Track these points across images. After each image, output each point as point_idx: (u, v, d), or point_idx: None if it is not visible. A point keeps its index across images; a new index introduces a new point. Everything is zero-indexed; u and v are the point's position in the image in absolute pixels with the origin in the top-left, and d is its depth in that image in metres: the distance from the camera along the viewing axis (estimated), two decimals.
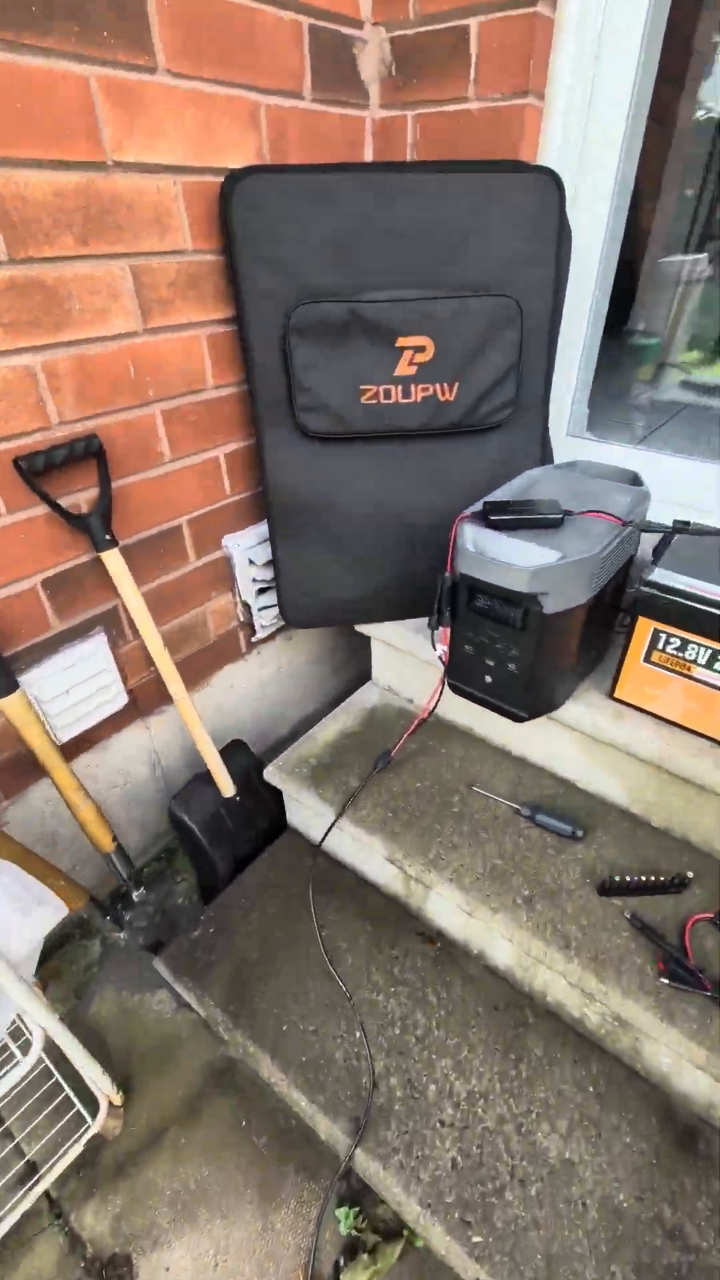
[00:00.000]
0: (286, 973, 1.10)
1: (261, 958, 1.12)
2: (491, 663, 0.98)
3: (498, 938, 1.02)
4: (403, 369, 1.01)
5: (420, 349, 1.00)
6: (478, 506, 0.92)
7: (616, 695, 1.04)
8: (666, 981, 0.87)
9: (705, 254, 2.89)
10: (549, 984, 1.02)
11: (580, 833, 1.05)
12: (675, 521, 0.83)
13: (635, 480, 1.03)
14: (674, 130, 2.45)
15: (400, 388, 1.02)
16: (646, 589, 0.90)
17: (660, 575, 0.91)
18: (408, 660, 1.29)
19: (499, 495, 0.98)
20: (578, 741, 1.12)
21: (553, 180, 0.95)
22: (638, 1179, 0.88)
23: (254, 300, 0.95)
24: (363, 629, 1.28)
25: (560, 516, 0.88)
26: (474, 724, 1.28)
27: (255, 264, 0.93)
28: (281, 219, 0.91)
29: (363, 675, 1.44)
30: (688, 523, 0.83)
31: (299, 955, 1.12)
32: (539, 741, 1.18)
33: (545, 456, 1.15)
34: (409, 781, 1.18)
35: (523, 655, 0.93)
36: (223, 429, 1.11)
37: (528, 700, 0.99)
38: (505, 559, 0.83)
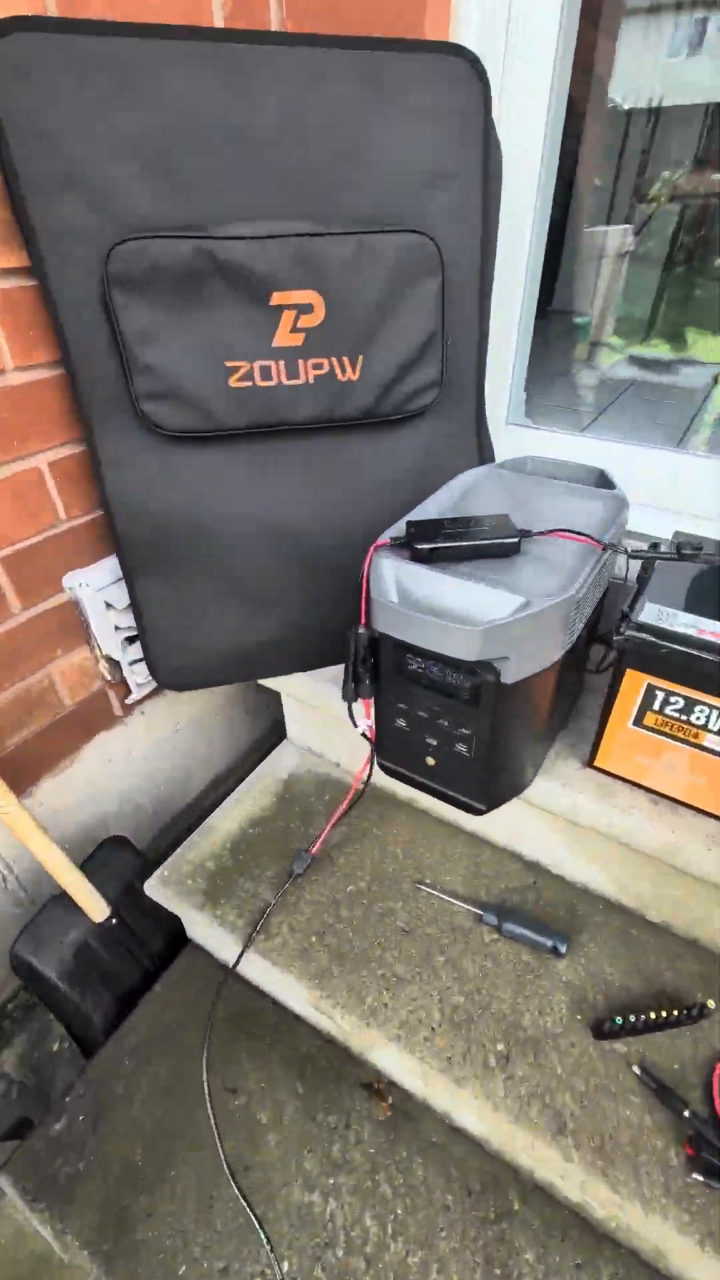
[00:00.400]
0: (184, 1178, 0.80)
1: (149, 1158, 0.82)
2: (434, 741, 0.71)
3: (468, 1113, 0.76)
4: (284, 337, 0.71)
5: (306, 309, 0.71)
6: (399, 529, 0.65)
7: (598, 764, 0.79)
8: (699, 1178, 0.63)
9: (630, 225, 2.73)
10: (538, 1161, 0.76)
11: (563, 946, 0.80)
12: (680, 543, 0.58)
13: (604, 480, 0.78)
14: (594, 78, 2.24)
15: (283, 364, 0.73)
16: (636, 634, 0.65)
17: (652, 614, 0.66)
18: (329, 717, 1.00)
19: (427, 510, 0.71)
20: (551, 823, 0.87)
21: (471, 67, 0.68)
22: None
23: (50, 237, 0.64)
24: (266, 682, 0.99)
25: (516, 540, 0.61)
26: (419, 795, 1.01)
27: (42, 177, 0.61)
28: (77, 105, 0.60)
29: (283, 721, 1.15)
30: (699, 546, 0.58)
31: (201, 1146, 0.83)
32: (501, 818, 0.92)
33: (484, 453, 0.88)
34: (338, 884, 0.90)
35: (476, 735, 0.67)
36: (40, 428, 0.79)
37: (486, 788, 0.72)
38: (442, 613, 0.56)
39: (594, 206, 2.56)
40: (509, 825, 0.92)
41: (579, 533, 0.62)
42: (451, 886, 0.90)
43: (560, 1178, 0.67)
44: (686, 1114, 0.66)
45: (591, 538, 0.62)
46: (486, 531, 0.62)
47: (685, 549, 0.58)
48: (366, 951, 0.82)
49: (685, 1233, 0.60)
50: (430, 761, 0.73)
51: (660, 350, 2.58)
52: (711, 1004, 0.74)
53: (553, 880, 0.91)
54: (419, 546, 0.60)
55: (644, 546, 0.66)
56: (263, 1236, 0.72)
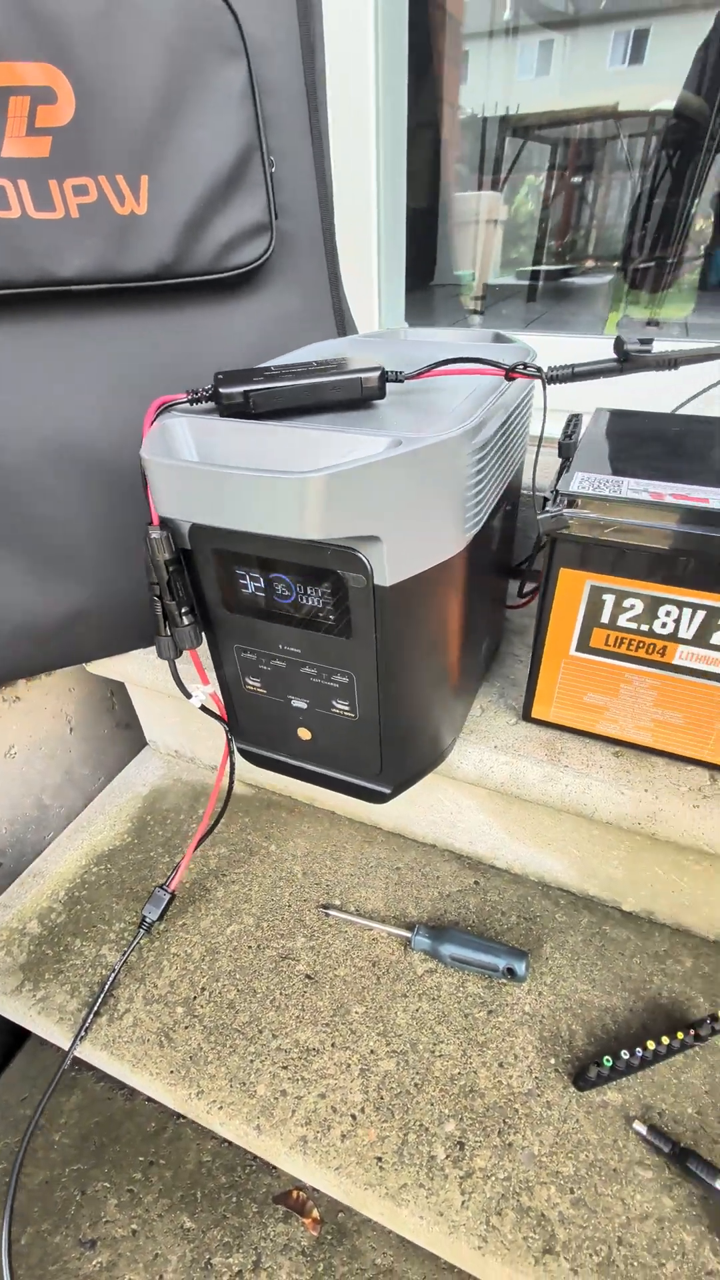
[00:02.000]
0: None
1: None
2: (303, 704, 0.49)
3: (418, 1238, 0.53)
4: (19, 142, 0.48)
5: (45, 95, 0.48)
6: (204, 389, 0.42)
7: (538, 715, 0.59)
8: None
9: (499, 192, 2.67)
10: None
11: (521, 967, 0.59)
12: (621, 346, 0.38)
13: (499, 339, 0.58)
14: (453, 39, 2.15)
15: (25, 185, 0.49)
16: (575, 510, 0.45)
17: (586, 482, 0.46)
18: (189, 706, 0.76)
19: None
20: (488, 802, 0.66)
21: None
22: None
23: None
24: (94, 669, 0.74)
25: (375, 376, 0.39)
26: (320, 791, 0.78)
27: None
28: None
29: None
30: (649, 342, 0.38)
31: None
32: (425, 806, 0.71)
33: (344, 329, 0.67)
34: (215, 927, 0.66)
35: (358, 682, 0.45)
36: None
37: (385, 762, 0.50)
38: (261, 466, 0.34)
39: (465, 177, 2.52)
40: (437, 813, 0.71)
41: (473, 359, 0.41)
42: (370, 906, 0.68)
43: None
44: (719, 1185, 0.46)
45: (490, 363, 0.41)
46: (332, 370, 0.40)
47: (626, 349, 0.38)
48: (256, 1018, 0.58)
49: None
50: (304, 735, 0.51)
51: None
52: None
53: (500, 877, 0.71)
54: (228, 391, 0.38)
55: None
56: None
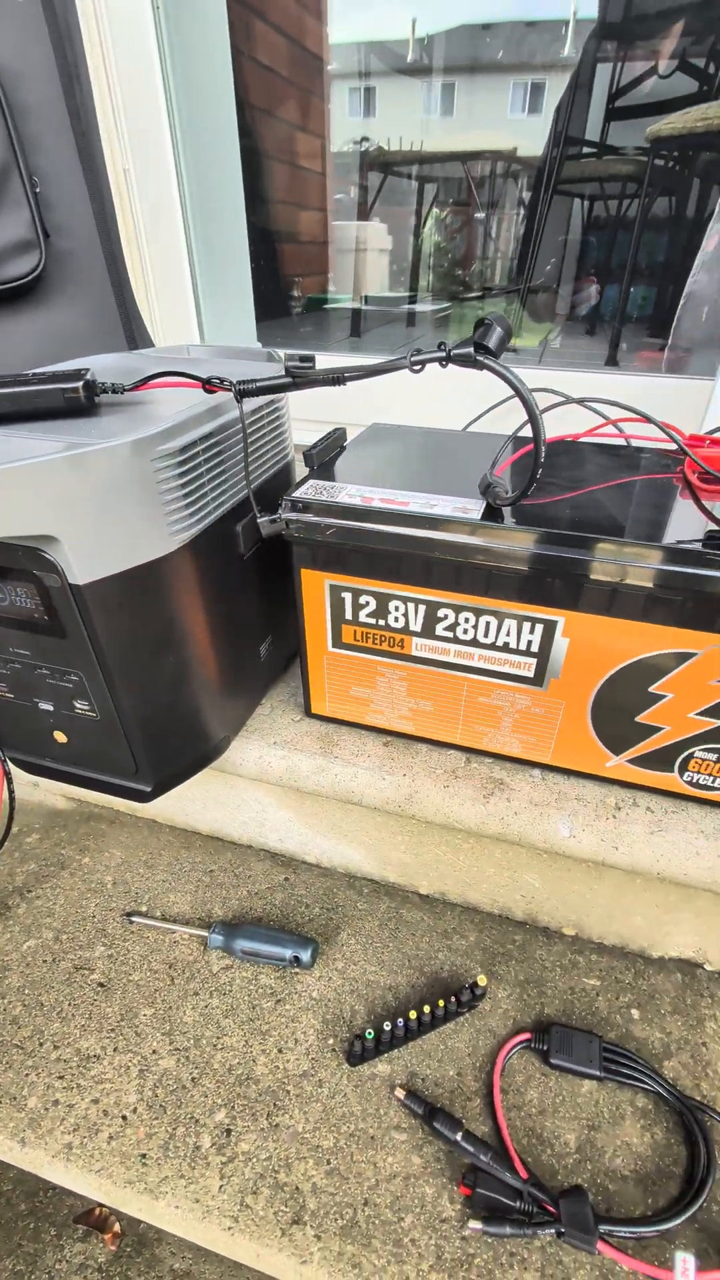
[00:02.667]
0: None
1: None
2: (49, 705, 0.50)
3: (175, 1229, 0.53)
4: None
5: None
6: None
7: (316, 710, 0.62)
8: (480, 1227, 0.46)
9: (382, 223, 2.81)
10: (276, 1270, 0.55)
11: (307, 954, 0.61)
12: (291, 363, 0.42)
13: (270, 358, 0.62)
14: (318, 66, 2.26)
15: None
16: (295, 514, 0.49)
17: (313, 489, 0.50)
18: None
19: None
20: (281, 797, 0.68)
21: None
22: None
23: None
24: None
25: (77, 386, 0.42)
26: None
27: None
28: None
29: None
30: (311, 357, 0.42)
31: None
32: (231, 807, 0.73)
33: (139, 345, 0.69)
34: (10, 943, 0.65)
35: (90, 681, 0.46)
36: None
37: (146, 760, 0.52)
38: None
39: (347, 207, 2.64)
40: (246, 813, 0.72)
41: (176, 374, 0.44)
42: (176, 909, 0.68)
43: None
44: (459, 1137, 0.49)
45: (188, 376, 0.44)
46: (44, 380, 0.42)
47: (294, 368, 0.42)
48: (39, 1030, 0.58)
49: None
50: (60, 737, 0.52)
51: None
52: (483, 980, 0.58)
53: (309, 872, 0.73)
54: None
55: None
56: None
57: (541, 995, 0.61)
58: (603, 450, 0.63)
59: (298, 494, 0.49)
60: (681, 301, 1.05)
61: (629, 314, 2.32)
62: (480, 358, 0.37)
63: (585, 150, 2.36)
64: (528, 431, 0.41)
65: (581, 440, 0.64)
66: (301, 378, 0.41)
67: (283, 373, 0.41)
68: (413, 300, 2.57)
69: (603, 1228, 0.45)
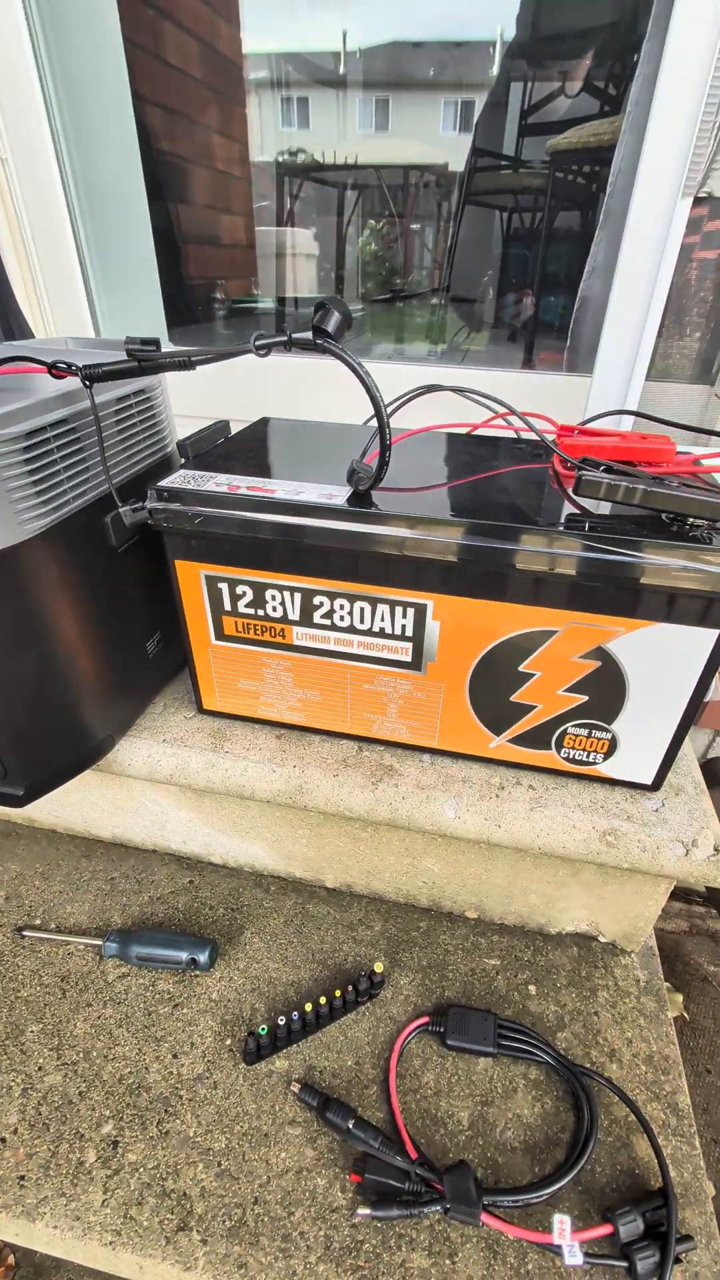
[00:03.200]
0: None
1: None
2: None
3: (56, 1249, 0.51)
4: None
5: None
6: None
7: (207, 706, 0.61)
8: (369, 1213, 0.46)
9: (308, 229, 2.83)
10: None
11: (204, 956, 0.60)
12: (131, 344, 0.41)
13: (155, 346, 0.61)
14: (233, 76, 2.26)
15: None
16: (161, 504, 0.48)
17: (181, 479, 0.49)
18: None
19: None
20: (179, 797, 0.67)
21: None
22: None
23: None
24: None
25: None
26: (38, 810, 0.75)
27: None
28: None
29: None
30: (156, 341, 0.42)
31: None
32: (131, 811, 0.71)
33: (11, 334, 0.67)
34: None
35: None
36: None
37: (14, 762, 0.50)
38: None
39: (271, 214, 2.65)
40: (147, 817, 0.71)
41: (24, 358, 0.43)
42: (73, 920, 0.66)
43: None
44: (353, 1127, 0.49)
45: (33, 360, 0.43)
46: None
47: (138, 347, 0.42)
48: None
49: None
50: None
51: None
52: (379, 967, 0.59)
53: (213, 873, 0.72)
54: None
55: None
56: None
57: (443, 979, 0.62)
58: (485, 442, 0.64)
59: (165, 483, 0.48)
60: (576, 306, 1.09)
61: (550, 323, 2.40)
62: (320, 341, 0.37)
63: (502, 164, 2.44)
64: (402, 422, 0.42)
65: (474, 433, 0.66)
66: (148, 361, 0.40)
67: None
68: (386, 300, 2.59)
69: (488, 1199, 0.46)
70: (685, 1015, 0.98)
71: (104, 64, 0.94)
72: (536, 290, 1.99)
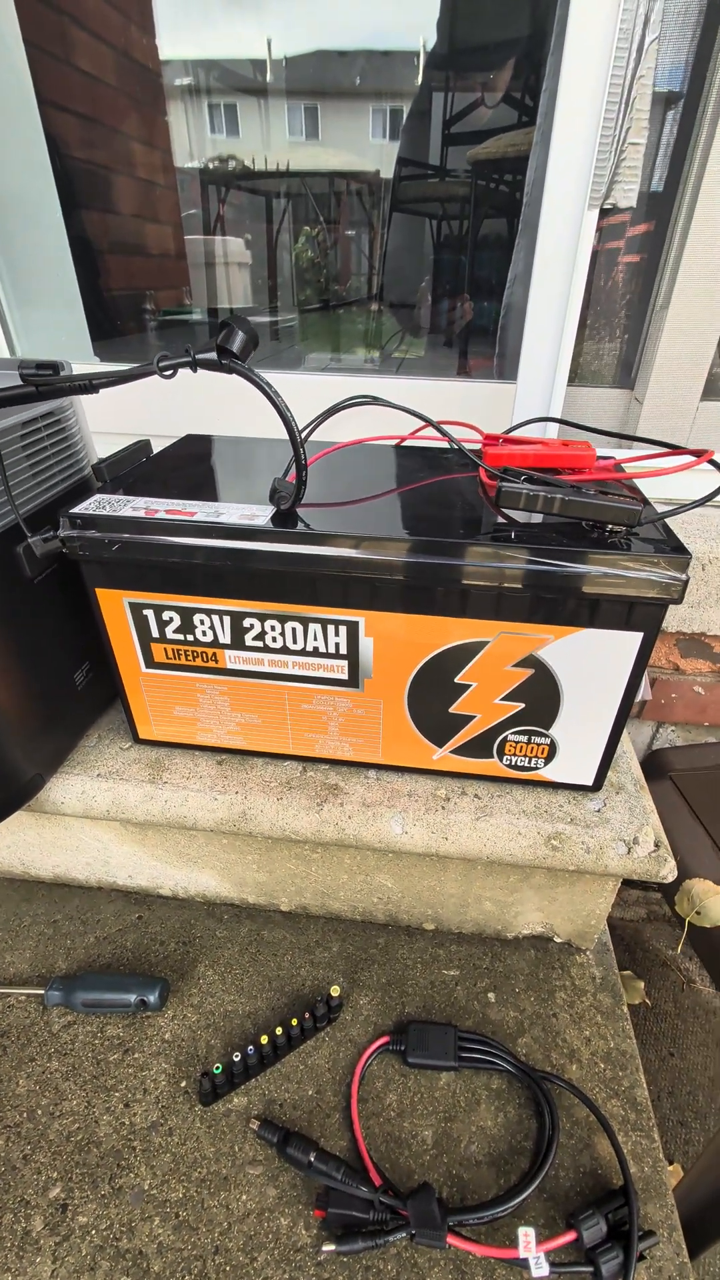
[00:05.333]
0: None
1: None
2: None
3: None
4: None
5: None
6: None
7: (143, 736, 0.59)
8: (334, 1249, 0.44)
9: (241, 238, 2.81)
10: None
11: (153, 996, 0.58)
12: (26, 369, 0.39)
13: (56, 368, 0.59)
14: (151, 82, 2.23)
15: None
16: (74, 532, 0.46)
17: (96, 504, 0.47)
18: None
19: None
20: (119, 833, 0.65)
21: None
22: None
23: None
24: None
25: None
26: None
27: None
28: None
29: None
30: (56, 365, 0.40)
31: None
32: (69, 849, 0.68)
33: None
34: None
35: None
36: None
37: None
38: None
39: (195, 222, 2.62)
40: (88, 854, 0.68)
41: None
42: (13, 970, 0.63)
43: None
44: (313, 1160, 0.48)
45: None
46: None
47: (30, 374, 0.40)
48: None
49: None
50: None
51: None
52: (336, 990, 0.58)
53: (165, 905, 0.69)
54: None
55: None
56: None
57: (403, 994, 0.61)
58: (414, 453, 0.64)
59: (78, 509, 0.46)
60: (501, 313, 1.11)
61: (485, 327, 2.44)
62: (224, 361, 0.36)
63: (428, 174, 2.48)
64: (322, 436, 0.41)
65: (405, 444, 0.66)
66: (46, 386, 0.38)
67: (20, 381, 0.38)
68: (274, 311, 2.58)
69: (454, 1219, 0.45)
70: (647, 1001, 1.00)
71: (3, 70, 0.91)
72: (464, 297, 2.03)
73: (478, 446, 0.56)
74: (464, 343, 2.09)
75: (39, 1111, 0.52)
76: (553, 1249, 0.44)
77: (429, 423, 0.53)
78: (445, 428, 0.52)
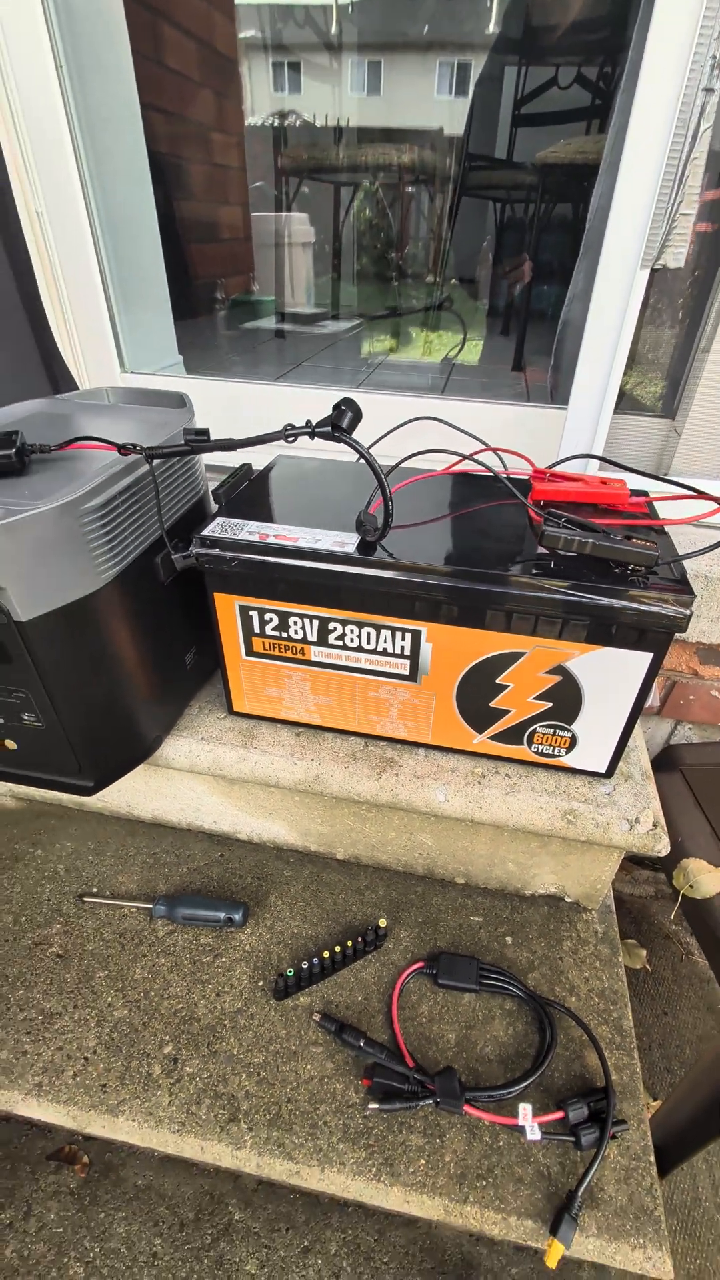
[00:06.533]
0: None
1: None
2: (0, 719, 0.58)
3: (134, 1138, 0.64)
4: None
5: None
6: None
7: (237, 709, 0.73)
8: (377, 1107, 0.59)
9: (304, 213, 2.85)
10: (216, 1159, 0.67)
11: (239, 915, 0.72)
12: (189, 434, 0.52)
13: (182, 402, 0.71)
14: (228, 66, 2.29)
15: None
16: (204, 550, 0.59)
17: (219, 527, 0.60)
18: None
19: None
20: (212, 785, 0.79)
21: None
22: None
23: None
24: None
25: (12, 452, 0.50)
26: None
27: None
28: None
29: None
30: (205, 432, 0.53)
31: None
32: (169, 796, 0.83)
33: (60, 385, 0.77)
34: None
35: (35, 697, 0.55)
36: None
37: (87, 760, 0.61)
38: None
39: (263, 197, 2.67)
40: (183, 801, 0.82)
41: (94, 438, 0.54)
42: (125, 888, 0.78)
43: (239, 1166, 0.59)
44: (363, 1045, 0.62)
45: (105, 441, 0.54)
46: None
47: (192, 438, 0.52)
48: (5, 998, 0.67)
49: (362, 1172, 0.56)
50: (10, 745, 0.60)
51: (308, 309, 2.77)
52: (384, 923, 0.71)
53: (241, 847, 0.84)
54: None
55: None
56: None
57: (436, 932, 0.75)
58: (470, 480, 0.75)
59: (206, 532, 0.59)
60: (559, 328, 1.18)
61: (544, 311, 2.46)
62: (337, 435, 0.48)
63: (495, 165, 2.49)
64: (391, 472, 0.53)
65: (461, 473, 0.76)
66: (199, 446, 0.51)
67: (182, 441, 0.51)
68: (335, 317, 2.62)
69: (469, 1095, 0.59)
70: (647, 967, 1.12)
71: (121, 103, 1.01)
72: (525, 303, 2.06)
73: (528, 474, 0.66)
74: (522, 327, 2.13)
75: (152, 993, 0.68)
76: (545, 1122, 0.57)
77: (487, 447, 0.64)
78: (500, 456, 0.63)
